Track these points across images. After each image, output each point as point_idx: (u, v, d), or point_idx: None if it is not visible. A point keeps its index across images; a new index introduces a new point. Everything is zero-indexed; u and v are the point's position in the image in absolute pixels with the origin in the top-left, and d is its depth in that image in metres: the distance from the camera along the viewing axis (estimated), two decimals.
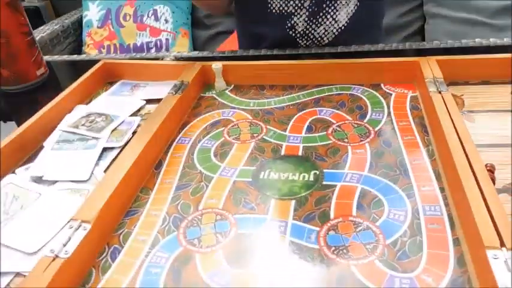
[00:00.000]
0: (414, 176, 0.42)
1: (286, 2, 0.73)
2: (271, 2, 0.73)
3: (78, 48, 1.53)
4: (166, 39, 1.46)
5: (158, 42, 1.46)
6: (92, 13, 1.51)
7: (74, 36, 1.53)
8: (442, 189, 0.40)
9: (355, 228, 0.37)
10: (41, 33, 1.40)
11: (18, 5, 0.67)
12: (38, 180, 0.46)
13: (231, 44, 1.34)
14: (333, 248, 0.35)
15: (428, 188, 0.40)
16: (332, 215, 0.38)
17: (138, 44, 1.47)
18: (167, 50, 1.46)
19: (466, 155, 0.40)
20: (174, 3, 1.47)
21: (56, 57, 0.83)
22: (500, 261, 0.29)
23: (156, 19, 1.46)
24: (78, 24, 1.55)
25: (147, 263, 0.36)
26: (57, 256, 0.34)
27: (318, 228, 0.37)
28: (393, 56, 0.63)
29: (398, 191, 0.40)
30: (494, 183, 0.40)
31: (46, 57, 0.80)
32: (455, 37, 1.17)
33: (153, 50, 1.46)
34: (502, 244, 0.30)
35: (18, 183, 0.46)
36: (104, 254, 0.37)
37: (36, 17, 2.08)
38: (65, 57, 0.84)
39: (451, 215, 0.37)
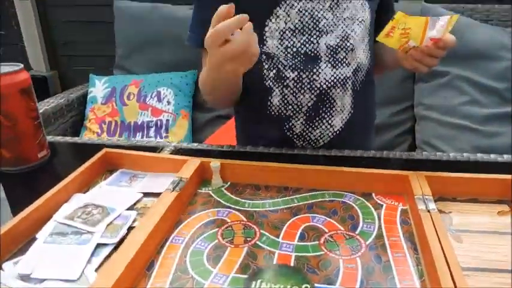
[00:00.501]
0: None
1: (285, 106, 0.77)
2: (271, 105, 0.78)
3: (80, 122, 1.57)
4: (167, 120, 1.51)
5: (159, 122, 1.51)
6: (98, 90, 1.57)
7: (78, 110, 1.58)
8: None
9: None
10: (45, 105, 1.45)
11: (30, 91, 0.70)
12: (26, 278, 0.46)
13: (228, 129, 1.38)
14: None
15: None
16: None
17: (139, 123, 1.51)
18: (167, 130, 1.50)
19: (453, 281, 0.40)
20: (177, 86, 1.54)
21: (59, 138, 0.86)
22: None
23: (159, 100, 1.52)
24: (83, 99, 1.61)
25: None
26: None
27: None
28: (385, 163, 0.66)
29: None
30: None
31: (48, 138, 0.82)
32: (445, 140, 1.23)
33: (153, 129, 1.50)
34: None
35: (4, 281, 0.45)
36: None
37: (43, 86, 2.16)
38: (68, 138, 0.86)
39: None
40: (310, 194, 0.62)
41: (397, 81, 1.36)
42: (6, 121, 0.67)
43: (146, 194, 0.62)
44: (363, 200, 0.60)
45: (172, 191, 0.58)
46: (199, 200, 0.61)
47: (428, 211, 0.51)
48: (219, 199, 0.61)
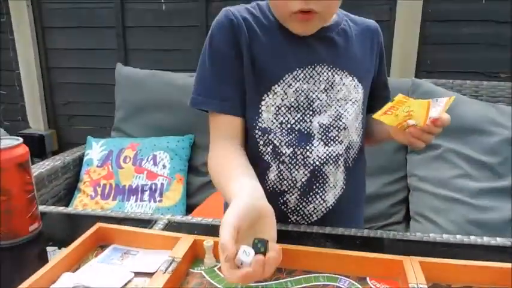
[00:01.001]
0: None
1: (281, 182, 0.78)
2: (267, 181, 0.79)
3: (74, 184, 1.57)
4: (162, 184, 1.51)
5: (153, 186, 1.51)
6: (94, 153, 1.59)
7: (73, 172, 1.59)
8: None
9: None
10: (40, 168, 1.45)
11: (27, 165, 0.71)
12: None
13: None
14: None
15: None
16: None
17: (134, 186, 1.51)
18: (161, 194, 1.50)
19: None
20: (173, 150, 1.55)
21: (52, 208, 0.85)
22: None
23: (155, 164, 1.53)
24: (79, 161, 1.61)
25: None
26: None
27: None
28: (378, 243, 0.65)
29: None
30: None
31: (41, 207, 0.82)
32: (439, 212, 1.24)
33: (147, 193, 1.50)
34: None
35: None
36: None
37: (40, 145, 2.18)
38: (61, 208, 0.86)
39: None
40: (305, 276, 0.61)
41: (390, 152, 1.39)
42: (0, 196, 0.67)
43: (138, 274, 0.61)
44: (358, 285, 0.59)
45: (165, 272, 0.57)
46: (191, 281, 0.60)
47: None
48: (211, 280, 0.60)
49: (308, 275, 0.61)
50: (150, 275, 0.59)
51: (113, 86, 1.75)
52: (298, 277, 0.61)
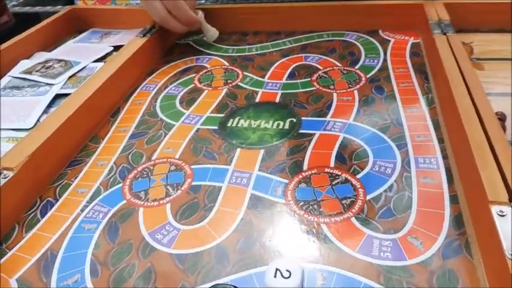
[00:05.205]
0: (408, 125, 0.35)
1: None
2: None
3: None
4: None
5: None
6: None
7: None
8: (440, 140, 0.33)
9: (330, 181, 0.30)
10: None
11: None
12: None
13: None
14: (302, 203, 0.29)
15: (424, 138, 0.34)
16: (305, 166, 0.32)
17: None
18: None
19: (473, 101, 0.33)
20: None
21: (27, 9, 0.77)
22: (507, 218, 0.23)
23: None
24: None
25: (81, 218, 0.30)
26: None
27: (286, 181, 0.31)
28: None
29: (387, 141, 0.34)
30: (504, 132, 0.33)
31: (16, 9, 0.74)
32: None
33: None
34: (511, 199, 0.24)
35: None
36: (34, 209, 0.32)
37: None
38: (37, 8, 0.77)
39: (450, 169, 0.30)
40: (306, 36, 0.53)
41: None
42: None
43: (118, 48, 0.54)
44: (367, 37, 0.51)
45: (142, 37, 0.50)
46: (177, 51, 0.53)
47: (445, 34, 0.42)
48: (199, 47, 0.53)
49: (311, 34, 0.53)
50: None
51: None
52: (298, 37, 0.53)
